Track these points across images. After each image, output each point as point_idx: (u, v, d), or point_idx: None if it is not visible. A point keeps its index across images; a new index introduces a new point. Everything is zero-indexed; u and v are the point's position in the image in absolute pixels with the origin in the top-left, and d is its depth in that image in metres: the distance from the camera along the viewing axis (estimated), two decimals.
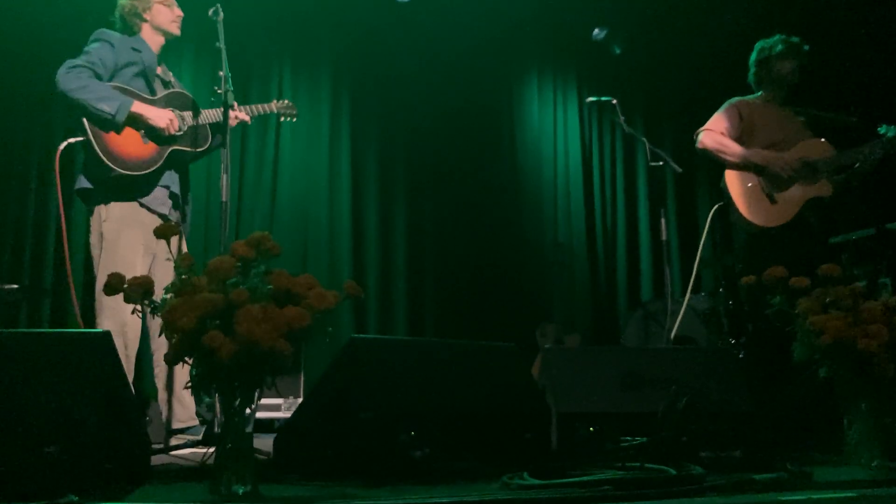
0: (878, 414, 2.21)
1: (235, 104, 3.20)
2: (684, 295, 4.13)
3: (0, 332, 1.79)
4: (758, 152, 3.63)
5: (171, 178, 3.22)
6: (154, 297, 1.76)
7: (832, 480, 1.92)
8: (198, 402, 3.29)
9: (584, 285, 6.19)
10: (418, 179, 5.86)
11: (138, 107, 3.07)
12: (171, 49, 3.42)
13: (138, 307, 1.75)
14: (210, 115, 3.28)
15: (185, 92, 3.35)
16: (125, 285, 1.71)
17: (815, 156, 3.63)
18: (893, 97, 5.12)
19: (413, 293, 5.70)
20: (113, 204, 3.10)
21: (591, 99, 4.27)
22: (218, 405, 1.70)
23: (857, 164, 3.63)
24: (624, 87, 6.11)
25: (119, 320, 2.94)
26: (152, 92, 3.23)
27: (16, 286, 3.92)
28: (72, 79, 3.00)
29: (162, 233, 1.86)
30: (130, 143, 3.07)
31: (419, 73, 5.83)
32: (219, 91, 3.08)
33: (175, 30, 3.35)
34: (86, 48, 3.16)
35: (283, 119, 3.61)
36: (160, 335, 1.70)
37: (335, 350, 2.27)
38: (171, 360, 1.68)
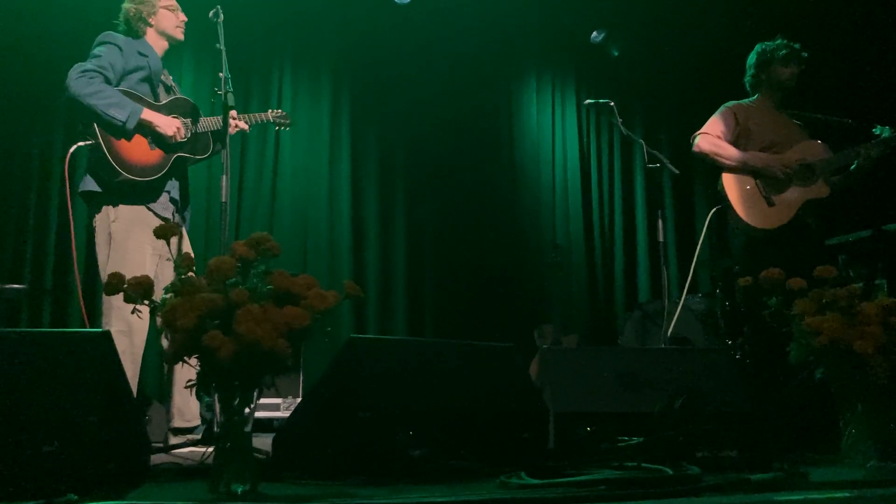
0: (874, 414, 2.22)
1: (234, 113, 3.21)
2: (681, 296, 4.14)
3: (0, 331, 1.80)
4: (755, 155, 3.64)
5: (171, 184, 3.24)
6: (157, 298, 1.76)
7: (828, 480, 1.92)
8: (199, 401, 3.30)
9: (581, 286, 6.21)
10: (418, 180, 5.87)
11: (148, 114, 3.08)
12: (172, 50, 3.43)
13: (138, 307, 1.76)
14: (209, 122, 3.29)
15: (186, 98, 3.37)
16: (125, 285, 1.72)
17: (811, 158, 3.64)
18: (887, 98, 5.13)
19: (412, 294, 5.71)
20: (121, 205, 3.11)
21: (589, 101, 4.29)
22: (217, 405, 1.70)
23: (853, 166, 3.65)
24: (622, 89, 6.13)
25: (126, 320, 2.93)
26: (156, 97, 3.24)
27: (22, 286, 3.93)
28: (83, 83, 2.99)
29: (162, 233, 1.87)
30: (138, 150, 3.09)
31: (419, 75, 5.84)
32: (219, 92, 3.09)
33: (179, 35, 3.36)
34: (94, 51, 3.15)
35: (277, 128, 3.65)
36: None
37: (335, 350, 2.27)
38: (171, 359, 1.69)
